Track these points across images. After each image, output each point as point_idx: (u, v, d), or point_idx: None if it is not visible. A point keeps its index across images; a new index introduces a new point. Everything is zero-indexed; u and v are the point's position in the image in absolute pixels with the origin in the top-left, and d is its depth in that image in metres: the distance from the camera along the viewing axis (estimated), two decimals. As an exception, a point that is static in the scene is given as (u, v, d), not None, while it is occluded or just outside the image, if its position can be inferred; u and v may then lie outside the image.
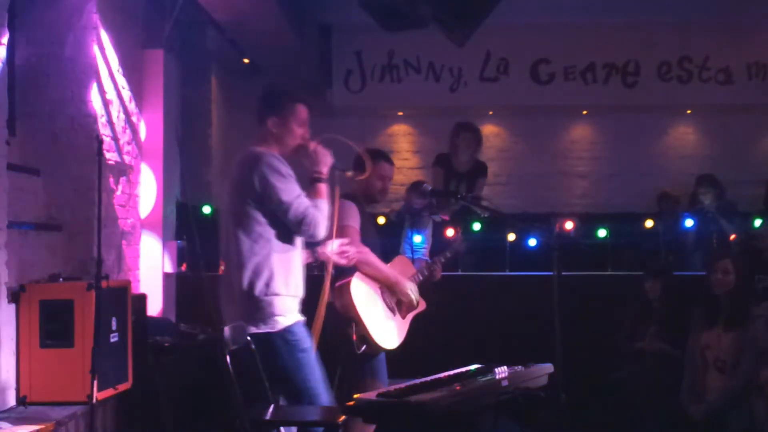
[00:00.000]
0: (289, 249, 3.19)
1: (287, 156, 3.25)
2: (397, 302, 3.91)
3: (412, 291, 3.90)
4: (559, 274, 3.05)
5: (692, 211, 6.58)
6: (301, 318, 3.25)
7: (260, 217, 3.15)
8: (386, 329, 3.79)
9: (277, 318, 3.14)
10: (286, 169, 3.15)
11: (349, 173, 3.49)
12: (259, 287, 3.12)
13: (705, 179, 6.63)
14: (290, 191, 3.12)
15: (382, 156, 3.96)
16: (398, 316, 3.92)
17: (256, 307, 3.13)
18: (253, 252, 3.13)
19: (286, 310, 3.16)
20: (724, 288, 4.25)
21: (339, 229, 3.60)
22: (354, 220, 3.76)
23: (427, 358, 4.13)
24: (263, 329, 3.13)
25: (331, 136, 3.30)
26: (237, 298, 3.17)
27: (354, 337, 3.63)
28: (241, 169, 3.19)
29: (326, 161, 3.26)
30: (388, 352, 3.82)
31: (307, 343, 3.20)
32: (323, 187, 3.23)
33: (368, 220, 3.97)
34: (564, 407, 2.81)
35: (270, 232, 3.16)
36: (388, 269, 3.86)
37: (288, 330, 3.15)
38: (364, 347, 3.67)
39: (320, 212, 3.15)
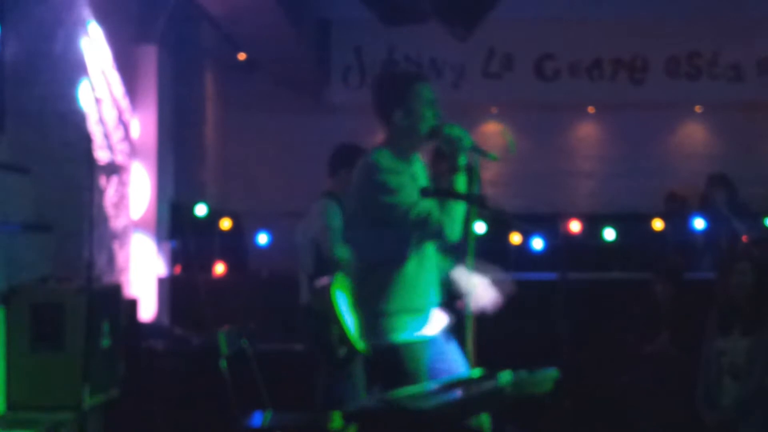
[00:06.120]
0: None
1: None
2: None
3: None
4: (565, 276, 2.93)
5: (704, 210, 6.48)
6: None
7: None
8: None
9: None
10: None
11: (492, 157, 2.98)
12: None
13: (717, 178, 6.52)
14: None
15: None
16: None
17: None
18: None
19: None
20: (742, 291, 4.13)
21: (321, 231, 3.76)
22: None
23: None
24: None
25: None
26: None
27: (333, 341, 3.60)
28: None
29: (459, 146, 2.86)
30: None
31: None
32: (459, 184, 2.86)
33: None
34: (569, 413, 2.69)
35: None
36: None
37: None
38: (344, 350, 3.59)
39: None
